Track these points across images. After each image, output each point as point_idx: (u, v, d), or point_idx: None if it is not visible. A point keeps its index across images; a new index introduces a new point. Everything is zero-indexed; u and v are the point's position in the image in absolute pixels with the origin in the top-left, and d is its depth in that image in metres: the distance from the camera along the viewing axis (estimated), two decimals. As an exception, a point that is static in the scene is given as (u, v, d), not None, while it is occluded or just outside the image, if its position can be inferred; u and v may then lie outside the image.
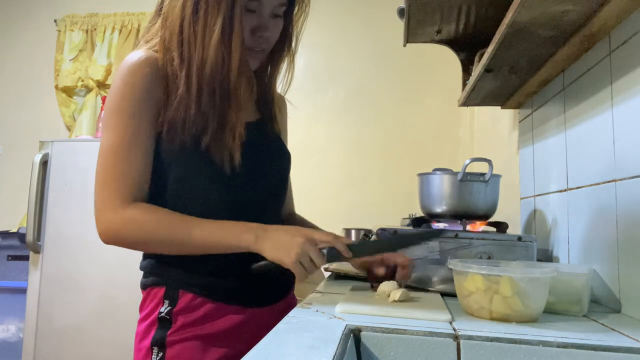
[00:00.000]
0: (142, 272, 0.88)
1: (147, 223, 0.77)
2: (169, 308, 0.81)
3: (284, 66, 0.96)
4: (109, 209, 0.77)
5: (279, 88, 1.00)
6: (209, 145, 0.80)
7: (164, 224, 0.77)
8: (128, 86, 0.79)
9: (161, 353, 0.79)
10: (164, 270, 0.84)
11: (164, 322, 0.80)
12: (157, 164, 0.82)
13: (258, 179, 0.89)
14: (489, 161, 1.03)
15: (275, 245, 0.74)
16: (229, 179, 0.83)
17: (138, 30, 3.08)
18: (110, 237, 0.78)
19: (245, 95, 0.88)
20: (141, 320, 0.84)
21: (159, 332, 0.80)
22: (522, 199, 1.34)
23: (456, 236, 0.95)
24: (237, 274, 0.84)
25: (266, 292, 0.88)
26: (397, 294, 0.73)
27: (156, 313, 0.81)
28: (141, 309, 0.85)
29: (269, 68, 0.96)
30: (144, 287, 0.86)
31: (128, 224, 0.76)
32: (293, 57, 0.95)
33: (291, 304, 0.94)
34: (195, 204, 0.82)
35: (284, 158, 0.97)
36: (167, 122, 0.80)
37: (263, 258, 0.77)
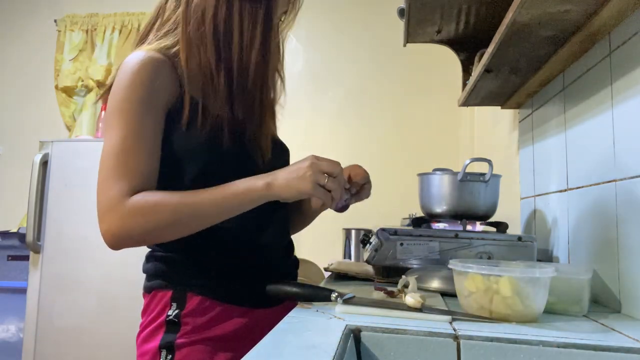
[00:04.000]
0: (144, 275, 0.86)
1: (150, 207, 0.72)
2: (177, 311, 0.80)
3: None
4: (113, 207, 0.72)
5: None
6: (245, 144, 0.84)
7: (168, 201, 0.73)
8: (133, 85, 0.77)
9: (170, 356, 0.78)
10: (171, 272, 0.82)
11: (172, 325, 0.79)
12: (169, 164, 0.80)
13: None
14: (489, 161, 1.03)
15: (287, 181, 0.74)
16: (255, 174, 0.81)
17: (138, 30, 3.08)
18: (116, 236, 0.73)
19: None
20: (146, 325, 0.82)
21: (167, 336, 0.79)
22: (522, 199, 1.34)
23: (456, 236, 0.95)
24: (243, 275, 0.84)
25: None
26: (412, 300, 0.70)
27: (163, 316, 0.80)
28: (145, 312, 0.84)
29: None
30: (148, 290, 0.84)
31: (131, 215, 0.72)
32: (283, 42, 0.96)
33: (294, 304, 0.93)
34: None
35: (287, 154, 1.01)
36: (198, 120, 0.80)
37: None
